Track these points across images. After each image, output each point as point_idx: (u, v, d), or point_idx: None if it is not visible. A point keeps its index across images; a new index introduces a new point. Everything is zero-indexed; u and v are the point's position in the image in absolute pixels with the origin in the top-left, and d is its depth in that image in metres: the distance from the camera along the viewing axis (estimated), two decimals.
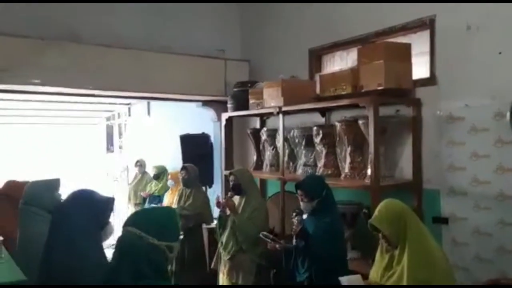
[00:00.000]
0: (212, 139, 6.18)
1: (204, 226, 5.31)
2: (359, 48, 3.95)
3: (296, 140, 4.51)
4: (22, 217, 3.08)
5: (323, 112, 4.55)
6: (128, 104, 9.80)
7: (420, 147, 3.73)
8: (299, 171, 4.53)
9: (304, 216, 3.43)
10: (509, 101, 3.12)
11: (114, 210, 2.44)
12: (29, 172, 10.12)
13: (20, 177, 4.24)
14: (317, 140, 4.22)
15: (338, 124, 3.97)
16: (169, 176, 6.68)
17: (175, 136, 6.38)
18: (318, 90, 4.21)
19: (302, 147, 4.48)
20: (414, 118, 3.73)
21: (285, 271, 3.51)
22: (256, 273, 4.05)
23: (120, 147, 10.94)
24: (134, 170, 8.27)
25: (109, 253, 2.34)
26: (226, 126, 5.50)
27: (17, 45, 4.25)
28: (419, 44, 3.83)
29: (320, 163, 4.24)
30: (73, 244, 2.11)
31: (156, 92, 5.35)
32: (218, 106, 5.80)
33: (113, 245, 2.37)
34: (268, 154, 5.10)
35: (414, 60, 3.67)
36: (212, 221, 5.14)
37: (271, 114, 4.68)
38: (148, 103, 8.92)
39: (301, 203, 3.40)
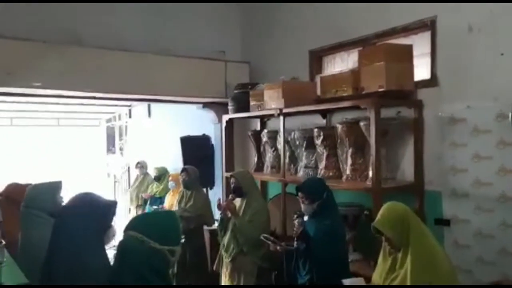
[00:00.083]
0: (212, 140, 6.17)
1: (205, 227, 5.30)
2: (360, 49, 3.95)
3: (297, 142, 4.50)
4: (23, 220, 3.08)
5: (324, 113, 4.55)
6: (128, 106, 9.80)
7: (421, 149, 3.72)
8: (300, 173, 4.52)
9: (305, 218, 3.42)
10: (511, 103, 3.11)
11: (116, 213, 2.42)
12: (31, 173, 10.15)
13: (22, 179, 4.25)
14: (318, 142, 4.21)
15: (339, 126, 3.96)
16: (170, 178, 6.67)
17: (176, 137, 6.38)
18: (319, 92, 4.21)
19: (303, 149, 4.47)
20: (416, 119, 3.72)
21: (286, 273, 3.50)
22: (258, 275, 4.05)
23: (121, 149, 10.94)
24: (135, 172, 8.27)
25: (110, 254, 2.34)
26: (226, 128, 5.50)
27: (19, 48, 4.25)
28: (420, 45, 3.82)
29: (321, 165, 4.23)
30: (75, 248, 2.10)
31: (157, 94, 5.36)
32: (219, 107, 5.80)
33: (115, 246, 2.37)
34: (269, 156, 5.09)
35: (415, 61, 3.65)
36: (214, 223, 5.15)
37: (271, 115, 4.67)
38: (149, 105, 8.92)
39: (302, 206, 3.40)
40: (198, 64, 5.36)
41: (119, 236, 2.11)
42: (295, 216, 3.46)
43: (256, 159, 5.41)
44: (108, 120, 11.79)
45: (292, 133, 4.52)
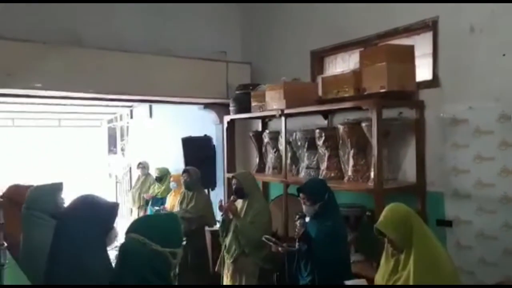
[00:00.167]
0: (214, 141, 6.17)
1: (207, 228, 5.30)
2: (362, 50, 3.94)
3: (299, 143, 4.50)
4: (25, 221, 3.07)
5: (325, 114, 4.54)
6: (130, 106, 9.81)
7: (423, 149, 3.71)
8: (302, 173, 4.51)
9: (307, 219, 3.42)
10: None
11: (118, 215, 2.42)
12: (32, 174, 10.17)
13: (23, 180, 4.25)
14: (319, 142, 4.21)
15: (340, 127, 3.96)
16: (171, 179, 6.67)
17: (177, 138, 6.38)
18: (320, 93, 4.20)
19: (305, 150, 4.46)
20: (418, 120, 3.72)
21: (288, 274, 3.50)
22: (259, 276, 4.05)
23: (122, 149, 10.95)
24: (136, 172, 8.28)
25: (112, 254, 2.34)
26: (228, 128, 5.50)
27: (19, 49, 4.25)
28: (422, 46, 3.82)
29: (323, 166, 4.23)
30: (77, 250, 2.10)
31: (158, 95, 5.36)
32: (220, 108, 5.79)
33: (117, 247, 2.37)
34: (270, 156, 5.09)
35: (417, 62, 3.65)
36: (215, 223, 5.14)
37: (273, 116, 4.67)
38: (150, 106, 8.93)
39: (304, 207, 3.40)
40: (199, 65, 5.36)
41: (121, 238, 2.11)
42: (297, 217, 3.45)
43: (257, 160, 5.40)
44: (110, 121, 11.79)
45: (294, 134, 4.52)
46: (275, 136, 4.94)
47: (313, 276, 3.24)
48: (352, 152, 3.93)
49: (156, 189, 7.41)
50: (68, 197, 2.99)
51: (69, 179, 10.34)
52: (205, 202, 5.22)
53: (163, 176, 7.32)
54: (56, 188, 3.23)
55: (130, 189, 8.81)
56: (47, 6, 4.56)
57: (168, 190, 6.95)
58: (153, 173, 7.62)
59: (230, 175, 4.64)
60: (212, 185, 6.04)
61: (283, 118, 4.40)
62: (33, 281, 2.67)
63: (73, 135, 12.88)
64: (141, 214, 7.70)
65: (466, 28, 3.43)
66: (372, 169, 3.52)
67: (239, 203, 4.21)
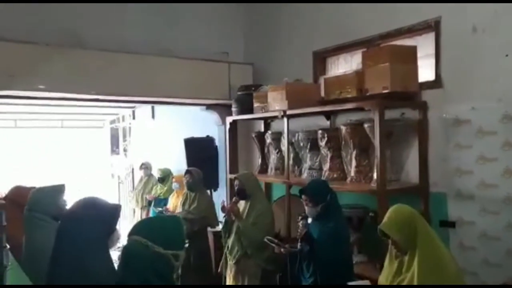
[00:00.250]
0: (216, 142, 6.17)
1: (209, 229, 5.30)
2: (364, 51, 3.93)
3: (301, 144, 4.50)
4: (26, 223, 3.08)
5: (328, 115, 4.54)
6: (132, 107, 9.82)
7: (426, 150, 3.70)
8: (304, 174, 4.51)
9: (309, 221, 3.42)
10: None
11: (120, 217, 2.42)
12: (35, 175, 10.19)
13: (26, 181, 4.26)
14: (322, 143, 4.20)
15: (343, 128, 3.95)
16: (174, 179, 6.67)
17: (180, 139, 6.38)
18: (322, 93, 4.20)
19: (307, 151, 4.46)
20: (420, 121, 3.70)
21: (290, 275, 3.50)
22: (262, 277, 4.05)
23: (125, 150, 10.97)
24: (139, 173, 8.29)
25: (115, 255, 2.34)
26: (230, 129, 5.49)
27: (21, 51, 4.25)
28: (424, 46, 3.81)
29: (326, 167, 4.22)
30: (79, 252, 2.09)
31: (160, 96, 5.35)
32: (222, 109, 5.79)
33: (119, 247, 2.37)
34: (273, 157, 5.09)
35: (420, 62, 3.63)
36: (218, 224, 5.14)
37: (275, 117, 4.67)
38: (152, 107, 8.93)
39: (306, 208, 3.40)
40: (201, 66, 5.35)
41: (123, 239, 2.12)
42: (300, 218, 3.45)
43: (260, 160, 5.40)
44: (112, 122, 11.81)
45: (296, 135, 4.52)
46: (277, 137, 4.94)
47: (315, 277, 3.24)
48: (354, 153, 3.92)
49: (158, 189, 7.41)
50: (70, 199, 3.00)
51: (71, 180, 10.40)
52: (207, 203, 5.22)
53: (165, 177, 7.32)
54: (58, 190, 3.24)
55: (133, 190, 8.83)
56: (49, 7, 4.57)
57: (170, 191, 6.95)
58: (156, 174, 7.63)
59: (233, 176, 4.64)
60: (215, 186, 6.04)
61: (285, 119, 4.40)
62: (35, 283, 2.67)
63: (76, 136, 12.90)
64: (144, 214, 7.72)
65: (469, 29, 3.42)
66: (375, 170, 3.51)
67: (241, 204, 4.21)
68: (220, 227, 4.69)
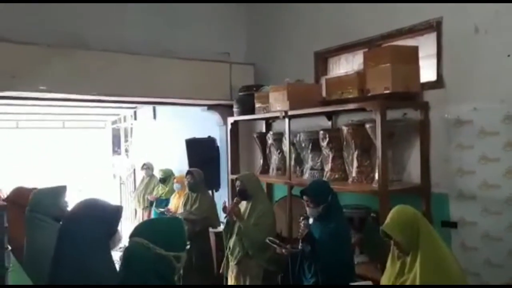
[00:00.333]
0: (218, 142, 6.17)
1: (211, 230, 5.30)
2: (365, 51, 3.94)
3: (303, 144, 4.50)
4: (28, 224, 3.08)
5: (329, 115, 4.53)
6: (134, 108, 9.82)
7: (428, 150, 3.70)
8: (306, 175, 4.51)
9: (310, 221, 3.42)
10: None
11: (122, 218, 2.42)
12: (37, 175, 10.21)
13: (28, 182, 4.26)
14: (323, 144, 4.20)
15: (345, 128, 3.95)
16: (175, 180, 6.67)
17: (181, 139, 6.38)
18: (324, 94, 4.20)
19: (309, 151, 4.46)
20: (422, 121, 3.70)
21: (292, 276, 3.50)
22: (263, 278, 4.05)
23: (126, 151, 10.97)
24: (141, 173, 8.29)
25: (116, 256, 2.34)
26: (231, 130, 5.49)
27: (23, 52, 4.25)
28: (426, 47, 3.80)
29: (327, 167, 4.22)
30: (81, 254, 2.10)
31: (161, 96, 5.35)
32: (224, 110, 5.79)
33: (121, 248, 2.37)
34: (274, 158, 5.09)
35: (421, 63, 3.63)
36: (219, 225, 5.14)
37: (277, 117, 4.67)
38: (154, 107, 8.94)
39: (307, 209, 3.40)
40: (203, 66, 5.35)
41: (125, 240, 2.11)
42: (301, 218, 3.45)
43: (261, 161, 5.40)
44: (114, 122, 11.82)
45: (298, 135, 4.52)
46: (279, 137, 4.94)
47: (317, 277, 3.24)
48: (356, 153, 3.92)
49: (160, 190, 7.41)
50: (71, 200, 3.00)
51: (73, 180, 10.42)
52: (209, 203, 5.22)
53: (167, 177, 7.31)
54: (60, 191, 3.24)
55: (134, 190, 8.83)
56: (51, 9, 4.57)
57: (172, 191, 6.95)
58: (157, 174, 7.63)
59: (234, 176, 4.64)
60: (216, 186, 6.03)
61: (287, 120, 4.39)
62: (37, 284, 2.68)
63: (77, 136, 12.91)
64: (146, 215, 7.72)
65: (471, 29, 3.42)
66: (377, 171, 3.51)
67: (243, 204, 4.21)
68: (221, 227, 4.68)
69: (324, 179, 4.13)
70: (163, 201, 7.14)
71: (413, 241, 2.49)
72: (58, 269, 2.12)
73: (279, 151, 4.99)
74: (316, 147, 4.36)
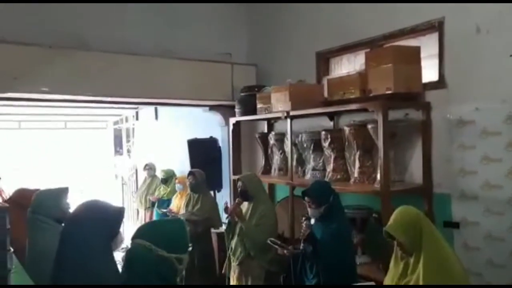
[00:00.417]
0: (220, 143, 6.17)
1: (213, 230, 5.30)
2: (367, 51, 3.93)
3: (305, 145, 4.49)
4: (30, 225, 3.09)
5: (331, 116, 4.53)
6: (135, 108, 9.83)
7: (430, 151, 3.69)
8: (308, 175, 4.51)
9: (312, 221, 3.42)
10: None
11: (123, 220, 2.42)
12: (39, 176, 10.23)
13: (30, 183, 4.27)
14: (325, 144, 4.20)
15: (347, 129, 3.95)
16: (177, 181, 6.67)
17: (183, 140, 6.38)
18: (326, 94, 4.19)
19: (311, 152, 4.46)
20: (424, 122, 3.69)
21: (294, 276, 3.50)
22: (265, 279, 4.05)
23: (128, 151, 10.99)
24: (143, 174, 8.30)
25: (118, 256, 2.34)
26: (233, 130, 5.49)
27: (26, 53, 4.25)
28: (428, 47, 3.79)
29: (329, 168, 4.22)
30: (83, 256, 2.10)
31: (163, 97, 5.35)
32: (226, 110, 5.79)
33: (123, 249, 2.37)
34: (276, 158, 5.08)
35: (423, 63, 3.62)
36: (221, 225, 5.14)
37: (279, 118, 4.67)
38: (156, 108, 8.95)
39: (309, 210, 3.39)
40: (205, 67, 5.35)
41: (127, 241, 2.11)
42: (303, 218, 3.45)
43: (263, 161, 5.40)
44: (115, 123, 11.83)
45: (300, 136, 4.52)
46: (281, 137, 4.93)
47: (319, 278, 3.24)
48: (358, 153, 3.92)
49: (161, 191, 7.42)
50: (73, 200, 3.01)
51: (75, 180, 10.44)
52: (210, 204, 5.22)
53: (168, 178, 7.32)
54: (61, 192, 3.24)
55: (136, 191, 8.84)
56: (53, 10, 4.57)
57: (173, 192, 6.96)
58: (159, 175, 7.63)
59: (236, 177, 4.64)
60: (218, 186, 6.03)
61: (288, 120, 4.39)
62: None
63: (79, 137, 12.94)
64: (148, 215, 7.74)
65: (473, 29, 3.41)
66: (379, 171, 3.50)
67: (244, 205, 4.21)
68: (223, 228, 4.69)
69: (326, 179, 4.13)
70: (165, 202, 7.15)
71: (416, 242, 2.48)
72: (60, 271, 2.12)
73: (281, 151, 4.99)
74: (318, 147, 4.35)
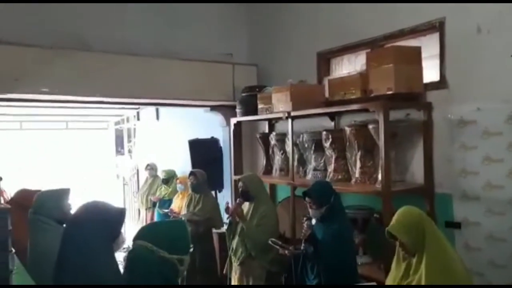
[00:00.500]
0: (221, 143, 6.17)
1: (214, 230, 5.31)
2: (368, 52, 3.93)
3: (306, 145, 4.49)
4: (31, 226, 3.10)
5: (332, 116, 4.53)
6: (137, 108, 9.84)
7: (431, 151, 3.69)
8: (309, 175, 4.51)
9: (313, 222, 3.42)
10: None
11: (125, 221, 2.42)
12: (41, 177, 10.23)
13: (32, 183, 4.27)
14: (326, 144, 4.20)
15: (348, 129, 3.95)
16: (178, 181, 6.68)
17: (184, 140, 6.39)
18: (327, 94, 4.19)
19: (312, 152, 4.45)
20: (425, 122, 3.69)
21: (295, 277, 3.50)
22: (266, 279, 4.05)
23: (130, 151, 11.00)
24: (144, 174, 8.31)
25: (120, 256, 2.35)
26: (234, 131, 5.49)
27: (26, 54, 4.26)
28: (428, 47, 3.79)
29: (330, 168, 4.22)
30: (85, 257, 2.10)
31: (164, 98, 5.34)
32: (227, 110, 5.79)
33: (125, 249, 2.37)
34: (277, 158, 5.08)
35: (424, 63, 3.62)
36: (223, 226, 5.15)
37: (280, 118, 4.67)
38: (157, 108, 8.95)
39: (310, 210, 3.40)
40: (206, 67, 5.35)
41: (128, 241, 2.12)
42: (304, 219, 3.46)
43: (264, 162, 5.39)
44: (117, 123, 11.85)
45: (301, 136, 4.51)
46: (282, 138, 4.93)
47: (320, 278, 3.24)
48: (359, 154, 3.91)
49: (163, 191, 7.42)
50: (75, 201, 3.01)
51: (76, 181, 10.44)
52: (212, 204, 5.23)
53: (170, 178, 7.33)
54: (63, 193, 3.24)
55: (138, 191, 8.85)
56: (53, 10, 4.58)
57: (175, 192, 6.96)
58: (160, 175, 7.64)
59: (237, 177, 4.64)
60: (220, 187, 6.04)
61: (289, 120, 4.39)
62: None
63: (80, 137, 12.95)
64: (149, 215, 7.75)
65: (473, 29, 3.40)
66: (380, 171, 3.50)
67: (245, 205, 4.21)
68: (225, 228, 4.69)
69: (327, 179, 4.13)
70: (166, 202, 7.15)
71: (419, 242, 2.48)
72: (62, 273, 2.12)
73: (282, 151, 4.99)
74: (319, 147, 4.35)
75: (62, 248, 2.18)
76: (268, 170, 5.30)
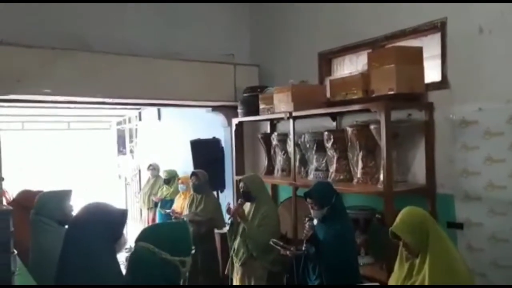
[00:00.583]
0: (223, 143, 6.17)
1: (216, 231, 5.30)
2: (369, 52, 3.92)
3: (307, 145, 4.49)
4: (33, 227, 3.10)
5: (334, 116, 4.53)
6: (138, 108, 9.85)
7: (433, 151, 3.68)
8: (311, 176, 4.50)
9: (315, 222, 3.42)
10: None
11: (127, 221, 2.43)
12: (43, 177, 10.24)
13: (34, 184, 4.27)
14: (328, 145, 4.19)
15: (349, 129, 3.94)
16: (180, 181, 6.68)
17: (186, 140, 6.39)
18: (328, 94, 4.19)
19: (313, 152, 4.45)
20: (427, 122, 3.68)
21: (297, 277, 3.50)
22: (268, 280, 4.05)
23: (131, 151, 11.01)
24: (146, 174, 8.31)
25: (122, 257, 2.35)
26: (236, 131, 5.49)
27: (28, 56, 4.27)
28: (430, 47, 3.78)
29: (332, 168, 4.22)
30: (87, 258, 2.10)
31: (166, 98, 5.35)
32: (228, 111, 5.79)
33: (127, 249, 2.38)
34: (279, 159, 5.08)
35: (426, 63, 3.61)
36: (224, 226, 5.14)
37: (281, 118, 4.67)
38: (159, 108, 8.96)
39: (312, 211, 3.40)
40: (207, 68, 5.35)
41: (130, 241, 2.12)
42: (306, 219, 3.46)
43: (266, 162, 5.39)
44: (119, 123, 11.86)
45: (302, 136, 4.51)
46: (283, 138, 4.93)
47: (321, 279, 3.24)
48: (361, 154, 3.91)
49: (164, 191, 7.43)
50: (77, 202, 3.01)
51: (78, 181, 10.46)
52: (214, 204, 5.23)
53: (171, 178, 7.34)
54: (64, 195, 3.25)
55: (140, 191, 8.86)
56: (55, 11, 4.59)
57: (176, 192, 6.97)
58: (162, 175, 7.65)
59: (239, 177, 4.64)
60: (221, 187, 6.04)
61: (291, 121, 4.39)
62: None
63: (82, 137, 12.96)
64: (151, 216, 7.76)
65: (475, 29, 3.40)
66: (381, 171, 3.50)
67: (247, 206, 4.22)
68: (227, 228, 4.69)
69: (329, 180, 4.13)
70: (167, 202, 7.16)
71: (422, 243, 2.48)
72: (64, 274, 2.12)
73: (283, 152, 4.99)
74: (320, 148, 4.35)
75: (64, 249, 2.18)
76: (270, 170, 5.30)
